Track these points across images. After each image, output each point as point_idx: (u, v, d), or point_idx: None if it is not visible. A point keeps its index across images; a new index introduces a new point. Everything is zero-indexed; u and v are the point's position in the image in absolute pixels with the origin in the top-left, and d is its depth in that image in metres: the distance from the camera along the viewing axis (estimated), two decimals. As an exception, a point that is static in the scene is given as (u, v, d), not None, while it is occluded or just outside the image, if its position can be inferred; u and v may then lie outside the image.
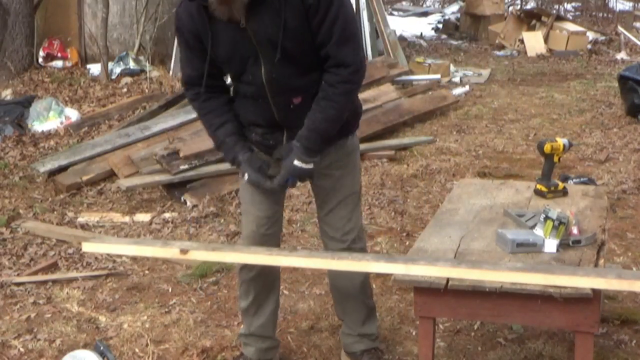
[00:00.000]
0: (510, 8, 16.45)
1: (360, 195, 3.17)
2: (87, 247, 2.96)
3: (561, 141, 3.27)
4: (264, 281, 3.18)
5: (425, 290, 2.52)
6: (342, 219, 3.07)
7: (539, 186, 3.29)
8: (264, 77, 2.80)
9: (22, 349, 3.57)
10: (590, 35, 13.34)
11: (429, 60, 10.66)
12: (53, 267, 4.54)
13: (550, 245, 2.68)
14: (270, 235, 3.11)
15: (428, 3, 20.35)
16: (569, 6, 18.08)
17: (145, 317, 3.87)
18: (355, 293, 3.20)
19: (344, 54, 2.73)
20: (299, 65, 2.78)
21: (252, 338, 3.28)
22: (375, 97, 7.72)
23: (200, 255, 2.84)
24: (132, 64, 9.63)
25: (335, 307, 3.42)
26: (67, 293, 4.16)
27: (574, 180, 5.32)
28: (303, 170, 2.86)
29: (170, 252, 2.82)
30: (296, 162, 2.84)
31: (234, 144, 2.94)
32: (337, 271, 3.12)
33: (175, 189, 5.73)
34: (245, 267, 3.16)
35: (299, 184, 2.99)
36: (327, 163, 3.02)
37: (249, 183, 2.94)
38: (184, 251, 2.71)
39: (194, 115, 6.81)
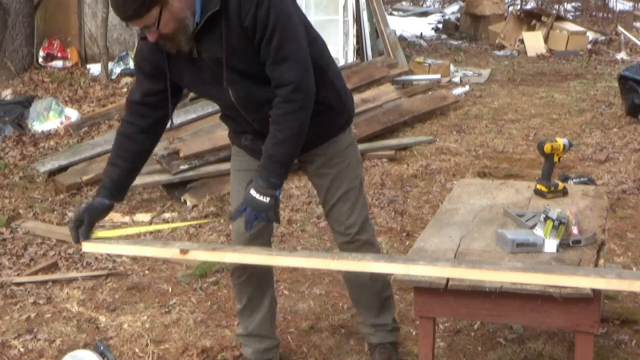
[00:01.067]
0: (510, 8, 16.46)
1: (361, 189, 3.15)
2: (87, 247, 2.95)
3: (561, 141, 3.27)
4: (257, 283, 3.18)
5: (425, 290, 2.51)
6: (343, 214, 3.08)
7: (539, 186, 3.28)
8: (232, 98, 2.80)
9: (22, 349, 3.57)
10: (590, 35, 13.35)
11: (429, 60, 10.66)
12: (53, 267, 4.54)
13: (550, 245, 2.67)
14: (256, 234, 3.04)
15: (428, 3, 20.35)
16: (569, 6, 18.09)
17: (145, 317, 3.87)
18: (365, 283, 3.19)
19: (281, 72, 2.68)
20: (262, 82, 2.74)
21: (250, 338, 3.28)
22: (375, 97, 7.72)
23: (200, 255, 2.84)
24: (132, 64, 9.63)
25: (350, 298, 3.42)
26: (67, 293, 4.16)
27: (574, 180, 5.32)
28: (259, 203, 2.72)
29: (170, 252, 2.82)
30: (252, 192, 2.73)
31: (102, 186, 2.96)
32: None
33: (175, 189, 5.73)
34: (236, 271, 3.17)
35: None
36: (319, 164, 3.02)
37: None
38: (184, 251, 2.71)
39: (194, 115, 6.84)
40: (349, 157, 3.07)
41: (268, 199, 2.73)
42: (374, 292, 3.24)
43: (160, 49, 2.71)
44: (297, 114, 2.72)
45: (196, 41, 2.68)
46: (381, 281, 3.23)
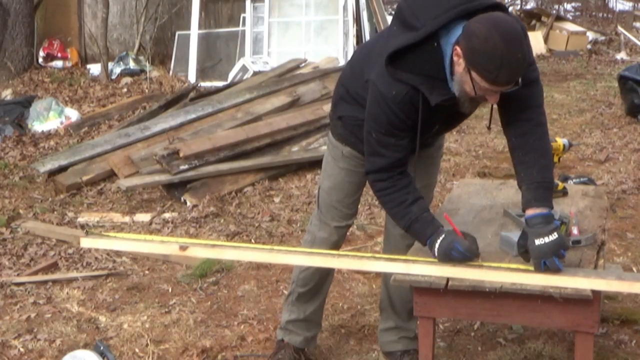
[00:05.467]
0: (510, 8, 16.45)
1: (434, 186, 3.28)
2: (85, 242, 2.92)
3: (561, 141, 3.27)
4: (330, 268, 3.18)
5: (425, 290, 2.51)
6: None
7: (539, 186, 3.28)
8: (434, 130, 2.80)
9: (22, 349, 3.57)
10: (590, 35, 13.36)
11: (429, 60, 10.64)
12: (53, 267, 4.54)
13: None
14: (353, 214, 3.17)
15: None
16: (568, 6, 18.10)
17: (145, 317, 3.87)
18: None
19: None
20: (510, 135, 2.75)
21: (301, 324, 3.28)
22: (375, 97, 7.70)
23: (199, 252, 2.82)
24: (132, 64, 9.65)
25: (381, 296, 3.38)
26: (67, 293, 4.16)
27: (574, 180, 5.32)
28: (548, 246, 2.40)
29: (169, 248, 2.80)
30: (537, 243, 2.41)
31: (432, 218, 2.63)
32: (391, 251, 3.06)
33: (175, 189, 5.73)
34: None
35: None
36: (431, 150, 3.09)
37: (462, 255, 2.49)
38: (183, 247, 2.70)
39: (194, 115, 6.83)
40: (442, 152, 3.24)
41: (553, 234, 2.42)
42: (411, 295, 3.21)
43: (418, 99, 2.57)
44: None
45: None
46: None
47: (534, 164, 2.58)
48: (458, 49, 2.42)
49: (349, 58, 9.89)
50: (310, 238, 3.20)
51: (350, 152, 3.02)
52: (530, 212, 2.50)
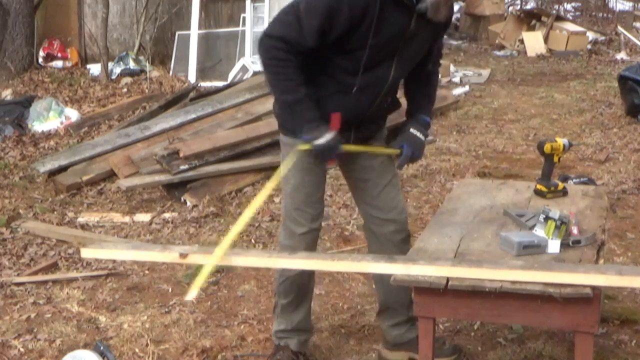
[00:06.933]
0: (510, 8, 16.44)
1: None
2: (86, 252, 2.94)
3: (561, 141, 3.27)
4: (308, 275, 3.17)
5: (425, 290, 2.51)
6: (393, 199, 3.11)
7: (539, 186, 3.29)
8: (392, 74, 2.86)
9: (22, 349, 3.57)
10: (590, 35, 13.34)
11: (429, 60, 10.64)
12: (53, 267, 4.54)
13: (554, 246, 2.67)
14: (317, 216, 3.11)
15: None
16: (568, 6, 18.06)
17: (145, 317, 3.87)
18: None
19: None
20: (415, 67, 3.00)
21: (293, 332, 3.28)
22: (375, 97, 7.70)
23: (200, 259, 2.83)
24: (132, 64, 9.65)
25: (377, 296, 3.37)
26: (67, 293, 4.16)
27: (574, 180, 5.32)
28: (419, 140, 3.06)
29: (169, 256, 2.81)
30: (413, 131, 3.06)
31: (314, 105, 2.73)
32: (380, 251, 3.05)
33: (175, 189, 5.73)
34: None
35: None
36: (379, 142, 3.14)
37: (321, 148, 2.71)
38: (183, 255, 2.71)
39: (194, 115, 6.83)
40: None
41: (424, 138, 3.07)
42: (405, 293, 3.21)
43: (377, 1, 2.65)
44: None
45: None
46: None
47: (430, 84, 3.15)
48: None
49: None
50: (280, 250, 3.19)
51: (295, 142, 2.92)
52: (417, 114, 3.08)
